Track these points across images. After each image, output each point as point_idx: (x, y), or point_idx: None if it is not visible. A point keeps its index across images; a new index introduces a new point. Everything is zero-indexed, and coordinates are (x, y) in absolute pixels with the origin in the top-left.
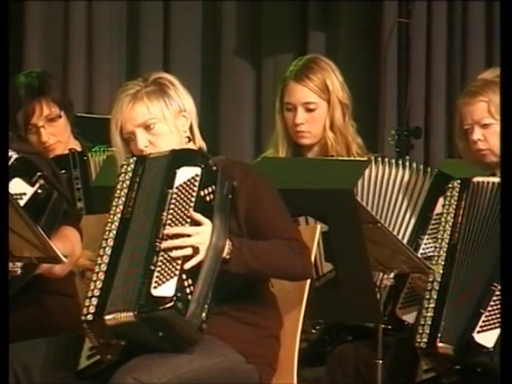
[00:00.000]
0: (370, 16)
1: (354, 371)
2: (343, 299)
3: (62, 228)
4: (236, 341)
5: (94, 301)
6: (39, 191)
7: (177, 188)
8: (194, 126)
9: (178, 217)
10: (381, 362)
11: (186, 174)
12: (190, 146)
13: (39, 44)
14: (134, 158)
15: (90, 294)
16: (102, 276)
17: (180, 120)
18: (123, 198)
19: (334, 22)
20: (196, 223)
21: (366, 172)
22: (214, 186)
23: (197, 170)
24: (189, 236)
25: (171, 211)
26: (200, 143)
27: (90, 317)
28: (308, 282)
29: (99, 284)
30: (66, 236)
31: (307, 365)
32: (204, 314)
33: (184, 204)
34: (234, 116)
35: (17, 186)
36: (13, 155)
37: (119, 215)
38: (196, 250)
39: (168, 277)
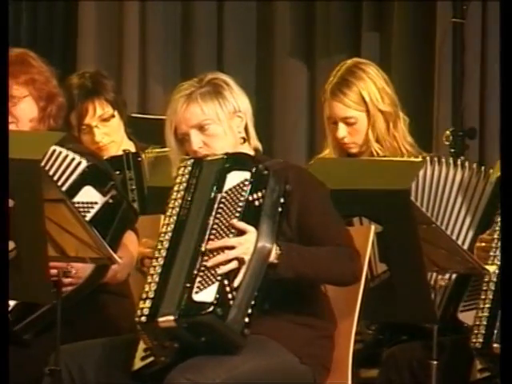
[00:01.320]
0: (424, 16)
1: (408, 372)
2: (397, 300)
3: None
4: (290, 341)
5: (148, 303)
6: (110, 201)
7: (226, 192)
8: (249, 126)
9: (223, 221)
10: (435, 362)
11: (235, 178)
12: (245, 146)
13: (93, 45)
14: (192, 161)
15: (144, 296)
16: (156, 278)
17: (234, 121)
18: (179, 200)
19: (388, 22)
20: (240, 232)
21: (421, 172)
22: (264, 191)
23: (246, 175)
24: (232, 248)
25: (218, 215)
26: (255, 144)
27: (143, 319)
28: (362, 282)
29: (153, 286)
30: (125, 238)
31: (361, 365)
32: (247, 319)
33: (231, 209)
34: (287, 117)
35: (88, 194)
36: (83, 161)
37: (175, 217)
38: (241, 262)
39: (210, 282)
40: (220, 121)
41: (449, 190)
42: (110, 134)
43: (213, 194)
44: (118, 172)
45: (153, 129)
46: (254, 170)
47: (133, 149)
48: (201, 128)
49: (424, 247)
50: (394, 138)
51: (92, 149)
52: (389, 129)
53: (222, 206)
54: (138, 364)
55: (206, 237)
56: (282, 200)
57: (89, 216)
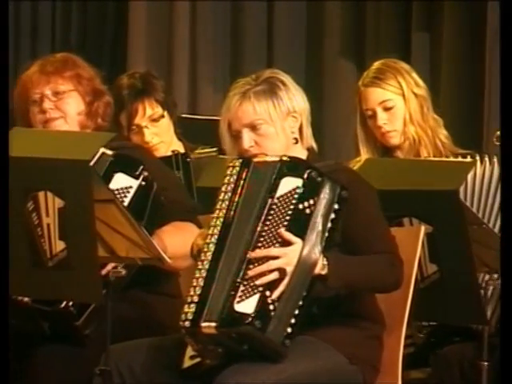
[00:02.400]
0: (475, 15)
1: (459, 372)
2: (448, 301)
3: (180, 223)
4: (339, 342)
5: (192, 307)
6: (143, 183)
7: (277, 199)
8: (304, 126)
9: (271, 229)
10: (486, 363)
11: (288, 184)
12: (297, 147)
13: (143, 45)
14: (240, 161)
15: (189, 300)
16: (201, 281)
17: (288, 121)
18: (227, 202)
19: (438, 22)
20: (286, 242)
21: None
22: (316, 198)
23: (298, 182)
24: (276, 258)
25: (267, 222)
26: (309, 144)
27: (187, 323)
28: (412, 283)
29: (198, 290)
30: (184, 230)
31: (411, 366)
32: (289, 329)
33: (280, 217)
34: (337, 117)
35: (121, 180)
36: (106, 151)
37: (222, 219)
38: (283, 273)
39: (251, 292)
40: (272, 121)
41: (497, 189)
42: (160, 135)
43: (264, 199)
44: None
45: (202, 129)
46: (306, 176)
47: (182, 149)
48: (253, 127)
49: (474, 248)
50: (428, 125)
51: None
52: (423, 114)
53: (271, 212)
54: (187, 363)
55: (254, 244)
56: (336, 206)
57: (127, 200)
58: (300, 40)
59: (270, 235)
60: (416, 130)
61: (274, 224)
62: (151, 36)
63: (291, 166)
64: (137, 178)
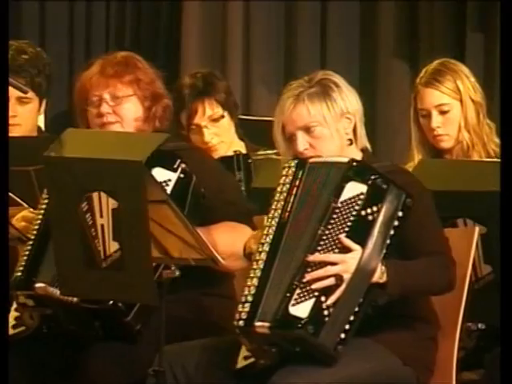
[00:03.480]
0: None
1: None
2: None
3: (233, 223)
4: (393, 344)
5: (246, 307)
6: (182, 176)
7: (341, 203)
8: (358, 127)
9: (333, 234)
10: None
11: (352, 189)
12: (352, 148)
13: (197, 45)
14: (296, 161)
15: (243, 299)
16: (255, 281)
17: (342, 123)
18: (282, 202)
19: (493, 23)
20: (345, 248)
21: None
22: (379, 205)
23: (363, 188)
24: (334, 264)
25: (329, 226)
26: (363, 145)
27: (241, 323)
28: (466, 284)
29: (252, 289)
30: (236, 230)
31: (465, 368)
32: (343, 335)
33: (342, 222)
34: (392, 118)
35: (159, 174)
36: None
37: (277, 219)
38: (340, 279)
39: (307, 296)
40: (327, 123)
41: None
42: (220, 135)
43: (327, 202)
44: None
45: (259, 130)
46: (372, 183)
47: (244, 150)
48: (307, 130)
49: None
50: (483, 131)
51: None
52: (479, 121)
53: (334, 216)
54: (241, 363)
55: (313, 247)
56: (400, 214)
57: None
58: (354, 40)
59: (330, 240)
60: (470, 137)
61: (336, 228)
62: (205, 36)
63: (358, 171)
64: (175, 171)
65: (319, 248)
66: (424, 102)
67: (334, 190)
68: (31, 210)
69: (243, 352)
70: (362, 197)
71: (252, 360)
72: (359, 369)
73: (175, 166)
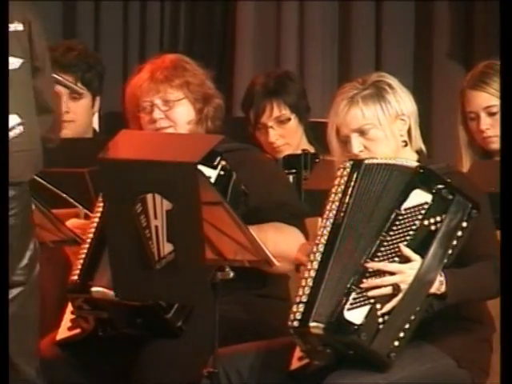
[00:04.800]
0: None
1: None
2: None
3: (282, 225)
4: (448, 345)
5: (301, 307)
6: (222, 172)
7: (404, 210)
8: (412, 128)
9: (393, 242)
10: None
11: (417, 198)
12: (407, 150)
13: (251, 45)
14: (351, 162)
15: (297, 300)
16: (310, 282)
17: (397, 124)
18: (337, 203)
19: None
20: (405, 258)
21: None
22: (443, 216)
23: (428, 198)
24: (392, 274)
25: (391, 233)
26: (418, 146)
27: (296, 323)
28: None
29: (307, 290)
30: (283, 232)
31: None
32: (397, 343)
33: (403, 231)
34: (447, 119)
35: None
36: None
37: (332, 220)
38: (397, 289)
39: (362, 302)
40: (381, 125)
41: None
42: (285, 136)
43: (391, 209)
44: (293, 170)
45: (314, 132)
46: (437, 192)
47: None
48: (362, 132)
49: None
50: None
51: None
52: None
53: (396, 223)
54: (295, 364)
55: (373, 252)
56: (464, 224)
57: None
58: (408, 41)
59: (391, 247)
60: None
61: (397, 236)
62: (259, 37)
63: (423, 179)
64: (215, 168)
65: (379, 254)
66: (472, 104)
67: (399, 195)
68: (85, 211)
69: (297, 353)
70: (425, 206)
71: (306, 361)
72: (413, 371)
73: (215, 163)
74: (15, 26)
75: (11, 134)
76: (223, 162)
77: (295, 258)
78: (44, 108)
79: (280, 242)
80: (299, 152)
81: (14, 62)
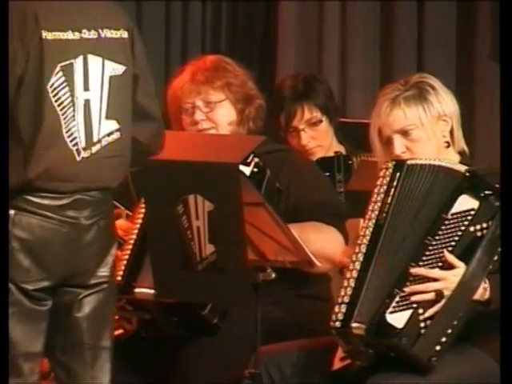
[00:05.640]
0: None
1: None
2: None
3: (320, 224)
4: (489, 347)
5: (343, 308)
6: (255, 170)
7: (451, 215)
8: (454, 129)
9: (438, 248)
10: None
11: (464, 203)
12: (449, 151)
13: (293, 45)
14: (393, 163)
15: (340, 300)
16: (352, 283)
17: (439, 125)
18: (379, 203)
19: None
20: (449, 264)
21: None
22: (490, 222)
23: (475, 204)
24: (435, 280)
25: (436, 237)
26: (460, 147)
27: (338, 324)
28: None
29: (349, 290)
30: (321, 231)
31: None
32: (438, 347)
33: (449, 235)
34: (489, 119)
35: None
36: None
37: (374, 220)
38: (440, 295)
39: (405, 307)
40: (423, 126)
41: None
42: (317, 139)
43: (438, 213)
44: (327, 174)
45: (353, 132)
46: (484, 199)
47: (343, 152)
48: (404, 133)
49: None
50: None
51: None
52: None
53: (442, 228)
54: (337, 364)
55: (418, 257)
56: None
57: None
58: (450, 42)
59: (436, 252)
60: None
61: (442, 241)
62: (301, 36)
63: (471, 184)
64: (248, 165)
65: (424, 258)
66: None
67: (446, 200)
68: (126, 212)
69: (339, 353)
70: (472, 212)
71: (348, 361)
72: (455, 372)
73: (248, 161)
74: (121, 34)
75: (109, 139)
76: (256, 159)
77: (338, 261)
78: (144, 115)
79: (318, 241)
80: (332, 155)
81: (118, 69)
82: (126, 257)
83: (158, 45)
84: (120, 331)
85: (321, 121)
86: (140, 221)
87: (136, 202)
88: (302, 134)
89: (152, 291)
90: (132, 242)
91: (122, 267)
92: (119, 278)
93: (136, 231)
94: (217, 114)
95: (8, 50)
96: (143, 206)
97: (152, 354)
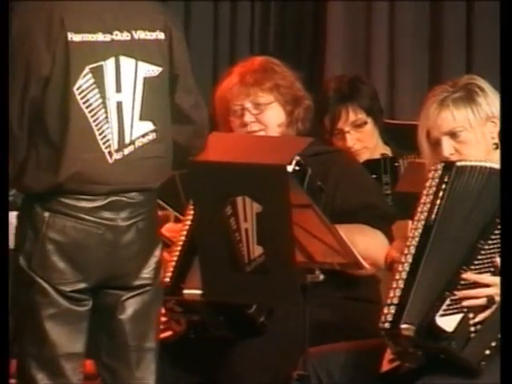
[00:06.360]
0: None
1: None
2: None
3: (366, 227)
4: None
5: (392, 309)
6: (297, 168)
7: None
8: None
9: (490, 252)
10: None
11: None
12: (498, 153)
13: (341, 47)
14: (442, 164)
15: (389, 302)
16: (401, 284)
17: (487, 127)
18: (428, 205)
19: None
20: (499, 269)
21: None
22: None
23: None
24: (487, 286)
25: (489, 241)
26: None
27: (387, 325)
28: None
29: (398, 292)
30: (366, 234)
31: None
32: (488, 351)
33: (498, 242)
34: None
35: None
36: None
37: (423, 222)
38: (491, 301)
39: (455, 310)
40: (472, 128)
41: None
42: (363, 140)
43: (492, 216)
44: (374, 176)
45: (405, 135)
46: None
47: (389, 154)
48: (452, 135)
49: None
50: None
51: None
52: None
53: (496, 232)
54: (386, 366)
55: (471, 261)
56: None
57: None
58: (497, 43)
59: (488, 256)
60: None
61: (495, 245)
62: (349, 36)
63: None
64: (289, 163)
65: (476, 263)
66: None
67: (499, 203)
68: (175, 214)
69: (388, 355)
70: None
71: (397, 363)
72: (496, 380)
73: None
74: (157, 35)
75: (143, 140)
76: (297, 158)
77: (388, 255)
78: (183, 117)
79: (363, 244)
80: (378, 156)
81: (154, 70)
82: (175, 258)
83: (206, 46)
84: (169, 333)
85: (366, 122)
86: (189, 222)
87: (185, 204)
88: (347, 136)
89: (200, 292)
90: (181, 243)
91: (171, 269)
92: (167, 280)
93: (185, 233)
94: (266, 115)
95: (8, 50)
96: (192, 207)
97: (201, 354)
